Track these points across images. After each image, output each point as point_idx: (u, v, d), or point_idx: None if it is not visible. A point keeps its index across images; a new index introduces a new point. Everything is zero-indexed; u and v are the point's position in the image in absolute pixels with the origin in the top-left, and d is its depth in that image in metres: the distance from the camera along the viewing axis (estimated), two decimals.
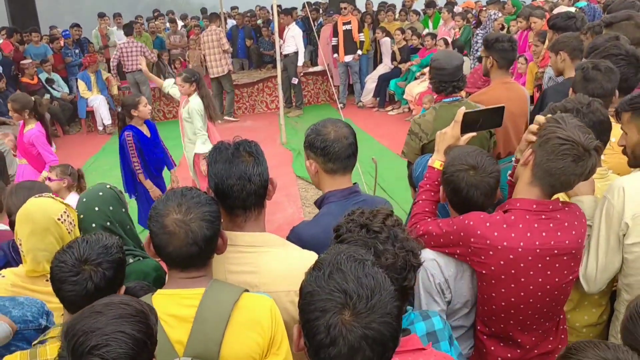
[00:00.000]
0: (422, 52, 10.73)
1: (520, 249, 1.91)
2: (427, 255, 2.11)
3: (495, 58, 3.68)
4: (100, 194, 2.41)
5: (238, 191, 1.78)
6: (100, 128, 10.96)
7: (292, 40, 10.66)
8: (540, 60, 6.40)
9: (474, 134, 2.40)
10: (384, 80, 11.23)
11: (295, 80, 10.99)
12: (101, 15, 13.37)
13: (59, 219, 2.18)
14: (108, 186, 2.50)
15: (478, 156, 2.13)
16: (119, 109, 5.01)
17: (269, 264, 1.81)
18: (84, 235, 1.91)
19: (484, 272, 1.99)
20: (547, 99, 3.74)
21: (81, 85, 10.82)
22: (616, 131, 2.35)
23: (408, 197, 6.71)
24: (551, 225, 1.93)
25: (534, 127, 1.96)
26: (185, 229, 1.59)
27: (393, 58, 11.26)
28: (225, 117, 11.10)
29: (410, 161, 3.41)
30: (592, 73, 2.60)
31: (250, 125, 11.06)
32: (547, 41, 6.29)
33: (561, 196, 2.15)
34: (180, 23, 14.83)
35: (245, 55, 13.36)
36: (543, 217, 1.94)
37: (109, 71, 12.33)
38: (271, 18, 10.02)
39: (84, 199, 2.40)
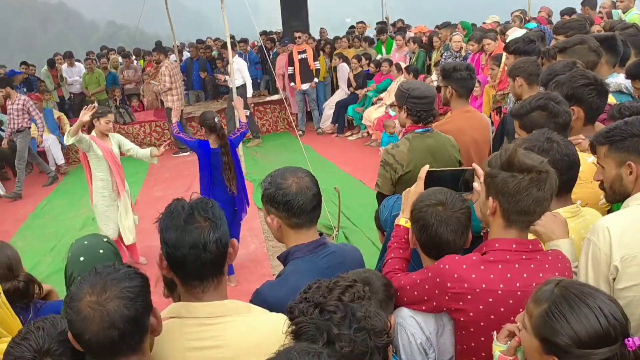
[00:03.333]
0: (378, 78, 10.81)
1: (500, 292, 1.82)
2: (404, 313, 2.01)
3: (454, 87, 3.66)
4: (101, 251, 2.11)
5: (192, 262, 1.59)
6: (53, 168, 10.57)
7: (238, 73, 10.51)
8: (498, 84, 6.48)
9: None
10: (341, 106, 11.25)
11: (246, 112, 10.86)
12: (50, 64, 12.94)
13: None
14: (105, 240, 2.21)
15: (447, 193, 2.08)
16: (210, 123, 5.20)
17: (235, 335, 1.62)
18: (36, 322, 1.68)
19: (462, 319, 1.89)
20: (507, 125, 3.75)
21: (31, 126, 10.43)
22: (582, 160, 2.31)
23: (371, 224, 6.59)
24: (532, 266, 1.85)
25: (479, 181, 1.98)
26: (100, 311, 1.37)
27: (349, 84, 11.30)
28: (181, 154, 10.98)
29: (386, 193, 3.33)
30: (557, 107, 2.55)
31: None
32: (502, 64, 6.40)
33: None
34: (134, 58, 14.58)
35: (201, 87, 13.22)
36: (523, 257, 1.86)
37: (62, 110, 12.03)
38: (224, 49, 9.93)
39: (82, 258, 2.08)
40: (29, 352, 1.56)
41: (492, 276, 1.83)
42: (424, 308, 1.97)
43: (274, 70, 11.26)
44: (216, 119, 5.21)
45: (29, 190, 9.64)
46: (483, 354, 1.87)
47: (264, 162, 10.00)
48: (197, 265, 1.60)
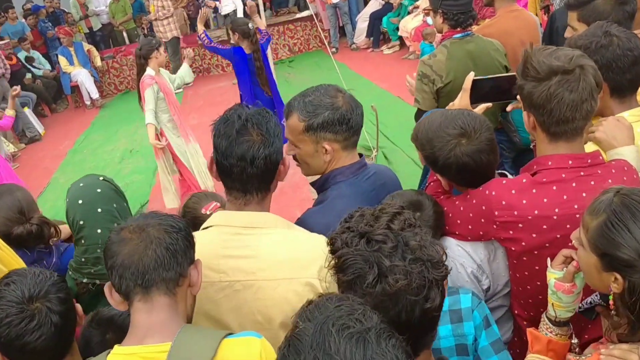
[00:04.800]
0: None
1: (555, 217, 1.58)
2: (450, 242, 1.79)
3: None
4: (99, 190, 1.96)
5: (237, 173, 1.53)
6: (88, 102, 10.55)
7: None
8: None
9: (489, 104, 2.04)
10: (375, 18, 10.66)
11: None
12: None
13: None
14: (101, 178, 2.05)
15: (454, 119, 1.74)
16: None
17: (269, 247, 1.54)
18: (2, 280, 1.54)
19: (513, 248, 1.67)
20: (556, 22, 3.36)
21: (62, 60, 10.35)
22: None
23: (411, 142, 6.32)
24: (592, 182, 1.59)
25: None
26: (139, 233, 1.32)
27: None
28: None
29: (426, 109, 3.06)
30: None
31: None
32: None
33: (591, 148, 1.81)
34: None
35: None
36: (582, 173, 1.60)
37: (92, 42, 11.88)
38: None
39: (80, 201, 1.93)
40: (12, 308, 1.43)
41: (545, 200, 1.59)
42: (469, 238, 1.76)
43: None
44: (250, 24, 5.26)
45: (67, 126, 9.70)
46: (538, 283, 1.65)
47: (296, 83, 9.69)
48: (242, 177, 1.54)
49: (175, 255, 1.32)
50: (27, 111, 9.35)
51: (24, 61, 10.50)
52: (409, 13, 9.84)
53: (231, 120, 1.54)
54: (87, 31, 12.48)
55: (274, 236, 1.56)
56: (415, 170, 5.69)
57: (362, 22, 11.03)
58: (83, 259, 1.90)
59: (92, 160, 7.92)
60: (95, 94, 10.54)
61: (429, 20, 9.01)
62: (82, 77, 10.35)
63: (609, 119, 1.77)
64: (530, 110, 1.64)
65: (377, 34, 10.80)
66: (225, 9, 10.18)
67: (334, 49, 10.69)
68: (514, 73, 1.87)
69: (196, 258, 1.41)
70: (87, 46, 10.98)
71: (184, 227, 1.38)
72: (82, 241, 1.91)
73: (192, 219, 2.16)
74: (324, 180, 1.87)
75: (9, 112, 5.57)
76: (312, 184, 1.94)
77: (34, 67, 10.66)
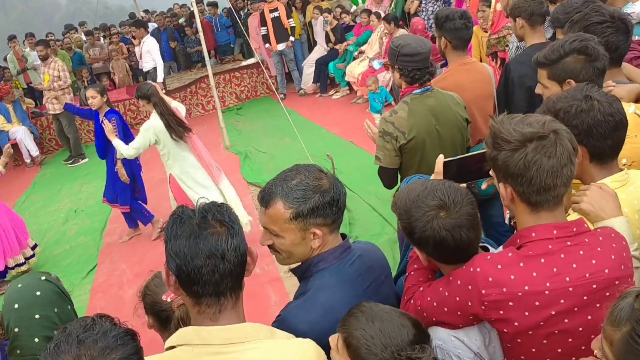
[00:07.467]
0: (357, 30, 10.31)
1: (547, 292, 1.48)
2: (442, 334, 1.64)
3: (448, 38, 3.26)
4: (38, 293, 1.73)
5: (209, 274, 1.35)
6: (28, 160, 10.10)
7: (149, 55, 9.66)
8: (490, 26, 6.01)
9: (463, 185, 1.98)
10: (322, 64, 10.74)
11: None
12: (10, 38, 12.24)
13: None
14: (43, 278, 1.80)
15: (434, 190, 1.66)
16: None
17: None
18: None
19: (506, 330, 1.55)
20: (511, 73, 3.37)
21: None
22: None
23: (369, 188, 6.31)
24: (581, 252, 1.51)
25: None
26: None
27: (327, 40, 10.79)
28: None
29: (389, 167, 2.98)
30: (597, 50, 2.18)
31: None
32: (492, 4, 5.96)
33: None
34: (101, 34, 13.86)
35: (172, 58, 12.63)
36: (568, 243, 1.52)
37: (32, 97, 11.45)
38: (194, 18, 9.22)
39: (16, 305, 1.70)
40: None
41: (534, 274, 1.50)
42: (460, 325, 1.64)
43: (247, 32, 10.68)
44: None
45: (7, 187, 9.18)
46: None
47: (246, 131, 9.59)
48: (214, 278, 1.36)
49: None
50: None
51: None
52: (354, 59, 9.96)
53: (186, 217, 1.39)
54: (25, 86, 12.02)
55: (258, 352, 1.39)
56: (374, 217, 5.61)
57: (309, 67, 11.10)
58: None
59: (34, 222, 7.48)
60: (35, 151, 10.10)
61: (375, 64, 9.13)
62: (20, 134, 9.90)
63: (591, 187, 1.71)
64: (506, 181, 1.57)
65: (324, 80, 10.86)
66: (145, 66, 9.89)
67: (282, 95, 10.68)
68: (483, 150, 1.81)
69: None
70: (25, 103, 10.57)
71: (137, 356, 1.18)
72: (17, 351, 1.67)
73: (151, 303, 1.99)
74: (306, 269, 1.74)
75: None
76: (293, 270, 1.80)
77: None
